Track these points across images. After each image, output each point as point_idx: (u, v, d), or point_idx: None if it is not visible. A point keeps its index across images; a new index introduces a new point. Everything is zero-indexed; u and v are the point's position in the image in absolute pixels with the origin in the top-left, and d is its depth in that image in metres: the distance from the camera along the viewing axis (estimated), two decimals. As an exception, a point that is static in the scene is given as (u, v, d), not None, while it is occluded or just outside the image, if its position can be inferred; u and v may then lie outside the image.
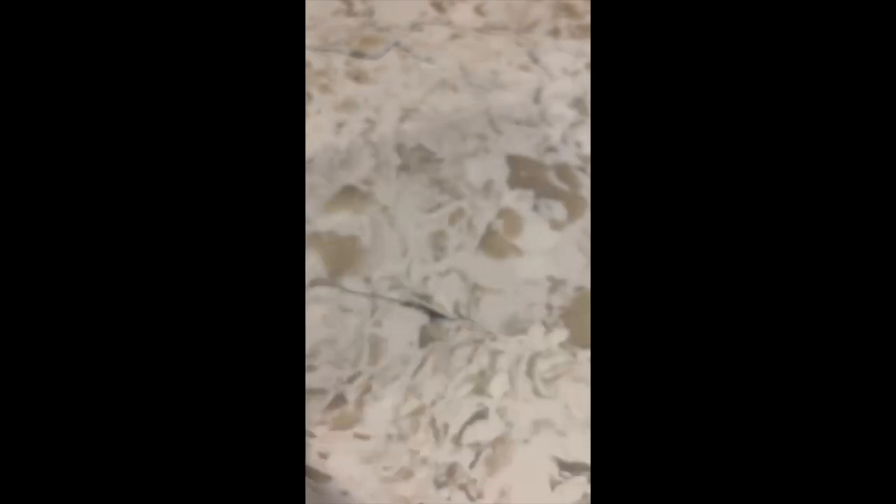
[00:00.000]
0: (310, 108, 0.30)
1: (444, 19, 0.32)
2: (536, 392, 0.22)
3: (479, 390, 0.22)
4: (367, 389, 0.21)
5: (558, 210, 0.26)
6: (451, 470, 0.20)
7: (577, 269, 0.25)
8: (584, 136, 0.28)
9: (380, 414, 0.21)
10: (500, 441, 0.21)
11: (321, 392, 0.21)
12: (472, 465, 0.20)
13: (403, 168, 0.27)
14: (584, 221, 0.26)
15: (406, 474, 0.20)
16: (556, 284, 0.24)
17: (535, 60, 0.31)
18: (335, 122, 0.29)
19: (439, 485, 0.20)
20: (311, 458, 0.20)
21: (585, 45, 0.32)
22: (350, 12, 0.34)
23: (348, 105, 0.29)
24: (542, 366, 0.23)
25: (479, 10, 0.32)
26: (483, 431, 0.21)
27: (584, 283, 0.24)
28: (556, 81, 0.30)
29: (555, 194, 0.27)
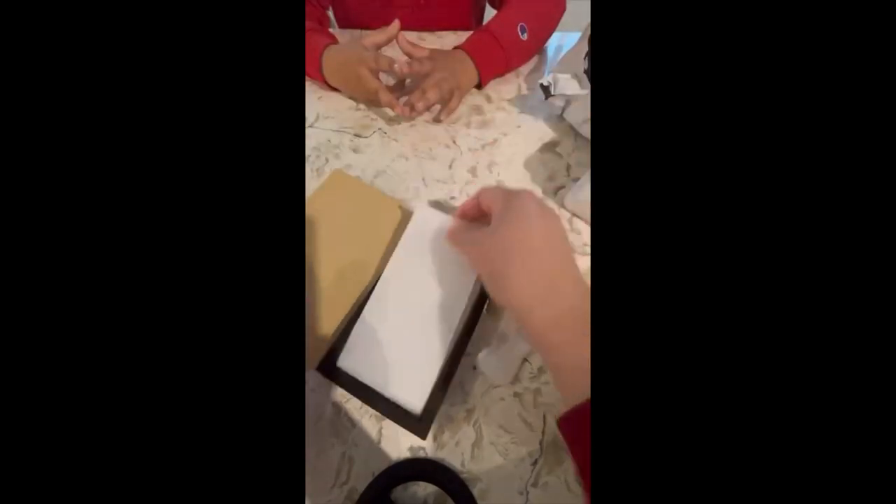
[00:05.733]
0: (325, 168, 0.45)
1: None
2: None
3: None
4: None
5: None
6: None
7: None
8: (475, 191, 0.42)
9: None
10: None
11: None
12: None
13: (371, 206, 0.42)
14: None
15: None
16: None
17: (454, 142, 0.48)
18: (337, 177, 0.45)
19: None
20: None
21: (485, 133, 0.49)
22: (357, 108, 0.53)
23: (348, 167, 0.45)
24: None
25: (430, 111, 0.50)
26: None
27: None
28: (463, 156, 0.46)
29: None
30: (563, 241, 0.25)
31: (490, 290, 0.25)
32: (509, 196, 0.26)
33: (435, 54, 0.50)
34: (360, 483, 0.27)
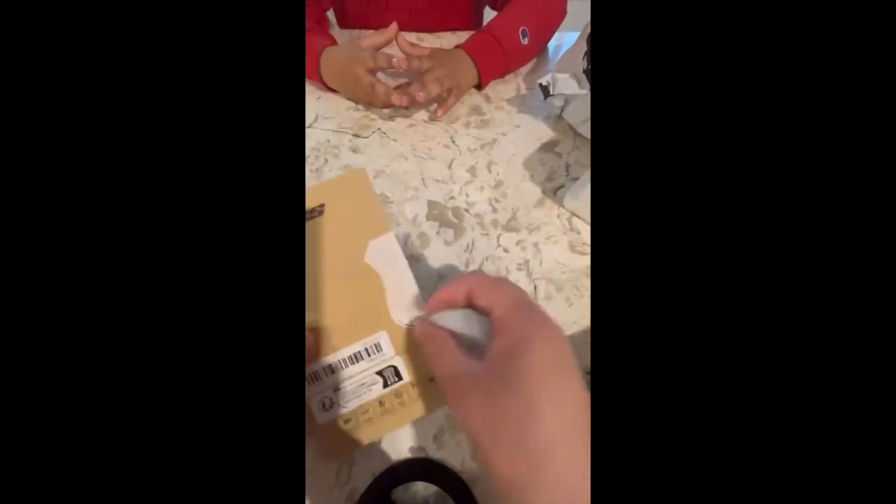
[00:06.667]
0: (325, 168, 0.45)
1: (407, 114, 0.50)
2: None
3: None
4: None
5: (449, 234, 0.40)
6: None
7: (454, 269, 0.38)
8: (474, 192, 0.43)
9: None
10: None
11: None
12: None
13: (370, 206, 0.43)
14: (464, 241, 0.39)
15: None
16: (441, 277, 0.37)
17: (453, 141, 0.48)
18: (337, 177, 0.46)
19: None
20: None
21: (484, 132, 0.49)
22: (356, 108, 0.53)
23: (347, 167, 0.45)
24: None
25: (427, 110, 0.51)
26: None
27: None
28: (462, 156, 0.46)
29: (449, 224, 0.41)
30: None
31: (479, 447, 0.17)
32: (526, 316, 0.18)
33: (435, 52, 0.50)
34: (361, 484, 0.27)
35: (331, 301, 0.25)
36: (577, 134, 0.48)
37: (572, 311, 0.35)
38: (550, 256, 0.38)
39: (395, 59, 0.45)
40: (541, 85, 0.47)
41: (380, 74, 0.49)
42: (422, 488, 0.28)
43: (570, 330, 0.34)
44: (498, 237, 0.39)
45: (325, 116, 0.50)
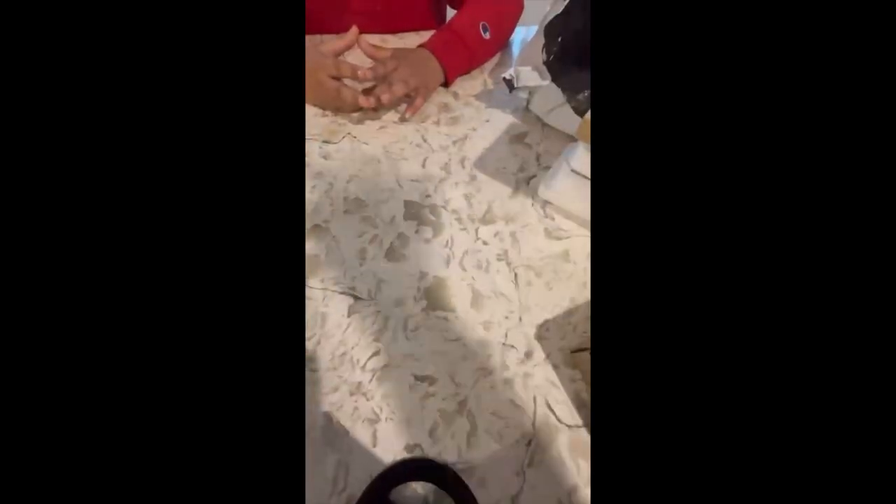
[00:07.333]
0: None
1: (377, 116, 0.50)
2: (407, 338, 0.34)
3: (377, 339, 0.34)
4: (317, 342, 0.34)
5: (428, 232, 0.41)
6: (359, 385, 0.32)
7: (436, 265, 0.38)
8: (449, 188, 0.43)
9: (325, 354, 0.33)
10: (386, 367, 0.33)
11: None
12: (369, 382, 0.32)
13: (346, 211, 0.41)
14: (444, 238, 0.39)
15: (334, 389, 0.32)
16: (422, 275, 0.38)
17: (425, 140, 0.48)
18: (310, 186, 0.43)
19: (351, 393, 0.31)
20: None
21: (454, 129, 0.49)
22: (323, 114, 0.52)
23: (319, 175, 0.44)
24: (410, 323, 0.35)
25: (397, 111, 0.51)
26: (376, 362, 0.33)
27: (439, 274, 0.37)
28: (435, 153, 0.47)
29: (427, 223, 0.41)
30: None
31: None
32: None
33: (398, 53, 0.50)
34: (358, 489, 0.27)
35: None
36: (544, 124, 0.49)
37: (553, 295, 0.36)
38: (528, 244, 0.39)
39: (360, 72, 0.45)
40: (505, 79, 0.48)
41: (347, 80, 0.49)
42: (419, 487, 0.28)
43: (551, 313, 0.35)
44: (476, 230, 0.40)
45: (293, 125, 0.49)
